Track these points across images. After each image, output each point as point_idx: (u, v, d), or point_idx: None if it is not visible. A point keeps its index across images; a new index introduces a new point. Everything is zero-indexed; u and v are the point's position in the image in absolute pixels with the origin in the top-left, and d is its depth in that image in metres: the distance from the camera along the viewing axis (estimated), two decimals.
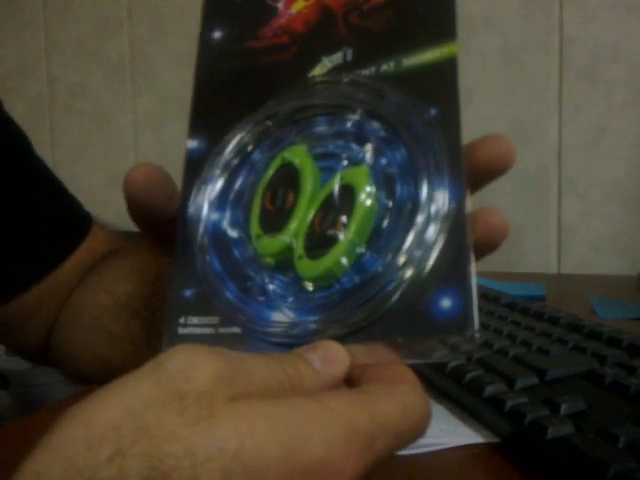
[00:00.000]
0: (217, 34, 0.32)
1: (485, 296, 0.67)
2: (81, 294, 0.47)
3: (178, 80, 1.26)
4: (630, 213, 0.99)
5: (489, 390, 0.41)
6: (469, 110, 1.03)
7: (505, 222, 0.26)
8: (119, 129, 1.30)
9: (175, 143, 1.34)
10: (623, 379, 0.41)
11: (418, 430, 0.22)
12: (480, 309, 0.68)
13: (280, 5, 0.32)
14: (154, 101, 1.28)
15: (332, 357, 0.22)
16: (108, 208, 1.28)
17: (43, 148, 1.33)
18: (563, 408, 0.37)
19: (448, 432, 0.40)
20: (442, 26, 0.28)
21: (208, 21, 0.33)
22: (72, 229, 0.49)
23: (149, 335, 0.39)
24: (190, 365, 0.18)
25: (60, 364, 0.49)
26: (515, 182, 1.03)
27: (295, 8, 0.31)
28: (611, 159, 1.00)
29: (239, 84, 0.31)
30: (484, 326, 0.55)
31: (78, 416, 0.18)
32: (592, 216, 1.01)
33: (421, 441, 0.38)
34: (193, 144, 0.30)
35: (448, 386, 0.45)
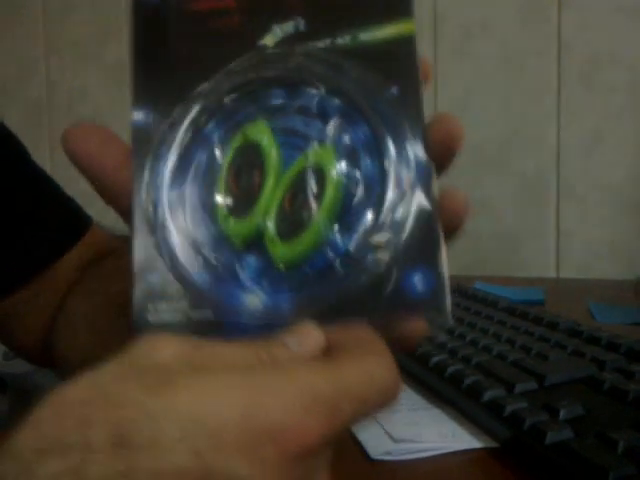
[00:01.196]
0: None
1: (484, 300, 0.67)
2: (76, 294, 0.47)
3: None
4: (629, 218, 1.00)
5: (488, 395, 0.41)
6: (467, 115, 1.03)
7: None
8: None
9: None
10: (622, 384, 0.41)
11: (385, 398, 0.22)
12: (479, 313, 0.68)
13: None
14: None
15: (308, 338, 0.23)
16: (106, 212, 1.28)
17: (42, 152, 1.33)
18: (562, 413, 0.37)
19: (447, 437, 0.40)
20: (398, 3, 0.27)
21: None
22: (70, 227, 0.50)
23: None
24: (153, 347, 0.20)
25: (57, 364, 0.49)
26: (514, 187, 1.03)
27: None
28: (609, 164, 1.00)
29: (185, 51, 0.29)
30: (483, 331, 0.55)
31: (51, 397, 0.19)
32: (591, 221, 1.02)
33: (420, 446, 0.38)
34: (139, 116, 0.29)
35: (447, 391, 0.44)
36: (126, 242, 0.50)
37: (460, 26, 1.06)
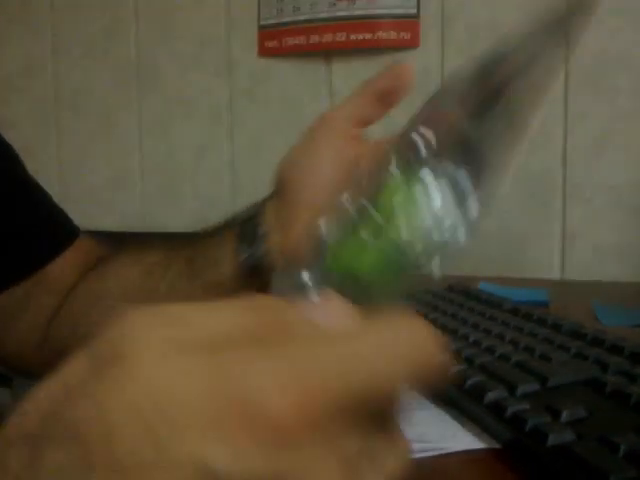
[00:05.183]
0: None
1: (488, 301, 0.67)
2: (92, 284, 0.50)
3: (184, 83, 1.26)
4: (634, 220, 0.99)
5: (490, 396, 0.41)
6: None
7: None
8: (124, 131, 1.30)
9: (180, 145, 1.34)
10: (625, 387, 0.40)
11: (413, 358, 0.18)
12: (483, 314, 0.68)
13: None
14: (159, 103, 1.28)
15: (332, 308, 0.19)
16: (113, 209, 1.29)
17: (48, 149, 1.34)
18: (564, 415, 0.37)
19: (448, 437, 0.40)
20: None
21: None
22: (60, 234, 0.53)
23: None
24: (122, 330, 0.18)
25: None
26: (519, 188, 1.03)
27: None
28: (616, 166, 1.00)
29: None
30: (487, 332, 0.55)
31: (28, 395, 0.18)
32: (596, 222, 1.01)
33: (421, 446, 0.38)
34: None
35: (449, 391, 0.44)
36: (112, 248, 0.54)
37: (467, 26, 1.06)
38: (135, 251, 0.51)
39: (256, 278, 0.43)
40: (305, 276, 0.27)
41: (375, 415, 0.18)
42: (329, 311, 0.19)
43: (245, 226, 0.45)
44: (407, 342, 0.18)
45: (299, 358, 0.16)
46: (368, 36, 1.10)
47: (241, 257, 0.44)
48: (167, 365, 0.17)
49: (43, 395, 0.18)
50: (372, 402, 0.17)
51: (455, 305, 0.65)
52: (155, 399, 0.16)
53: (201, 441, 0.15)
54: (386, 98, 0.43)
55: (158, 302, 0.50)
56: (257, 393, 0.16)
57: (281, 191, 0.45)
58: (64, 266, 0.52)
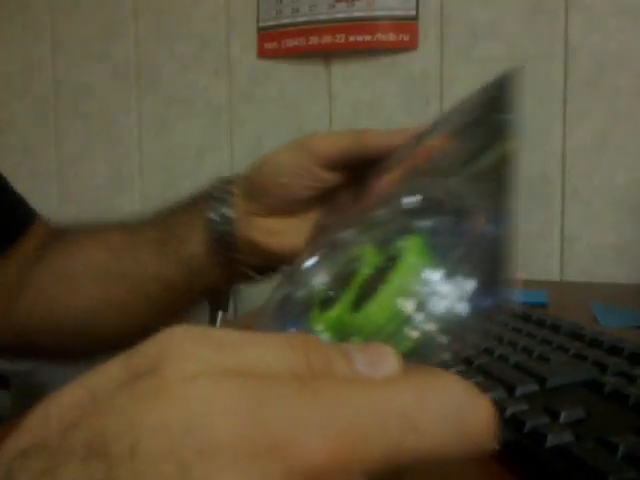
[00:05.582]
0: None
1: None
2: (61, 267, 0.54)
3: (182, 82, 1.26)
4: (633, 221, 0.99)
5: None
6: None
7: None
8: (124, 130, 1.30)
9: (179, 145, 1.34)
10: (623, 388, 0.40)
11: (453, 416, 0.17)
12: None
13: None
14: (158, 103, 1.28)
15: (382, 360, 0.19)
16: (112, 208, 1.29)
17: (48, 148, 1.34)
18: (563, 416, 0.37)
19: None
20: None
21: None
22: (24, 216, 0.57)
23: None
24: (161, 347, 0.17)
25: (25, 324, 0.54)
26: (518, 189, 1.03)
27: None
28: (615, 167, 1.00)
29: None
30: (485, 333, 0.55)
31: (49, 397, 0.18)
32: (595, 224, 1.01)
33: None
34: None
35: None
36: (72, 229, 0.58)
37: (466, 28, 1.06)
38: (94, 234, 0.54)
39: (225, 253, 0.49)
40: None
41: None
42: (377, 360, 0.19)
43: (216, 205, 0.49)
44: (449, 397, 0.18)
45: (344, 406, 0.16)
46: (367, 38, 1.10)
47: (212, 235, 0.48)
48: (205, 387, 0.16)
49: (67, 402, 0.17)
50: (412, 458, 0.17)
51: None
52: (187, 421, 0.15)
53: (229, 473, 0.15)
54: (371, 156, 0.44)
55: (131, 284, 0.52)
56: (296, 433, 0.15)
57: (251, 184, 0.50)
58: (29, 243, 0.56)
